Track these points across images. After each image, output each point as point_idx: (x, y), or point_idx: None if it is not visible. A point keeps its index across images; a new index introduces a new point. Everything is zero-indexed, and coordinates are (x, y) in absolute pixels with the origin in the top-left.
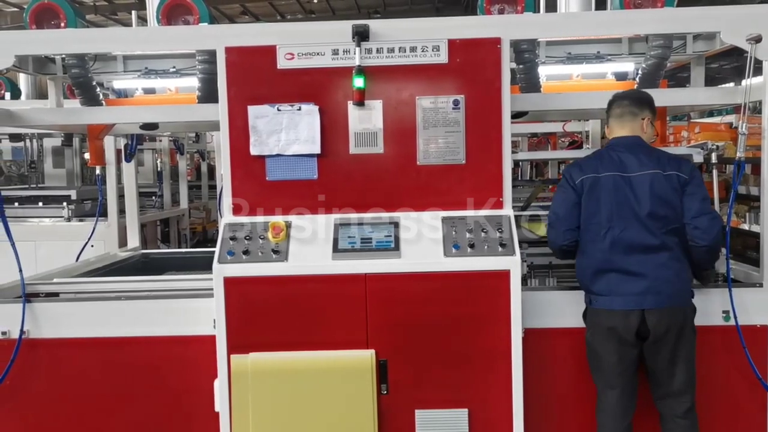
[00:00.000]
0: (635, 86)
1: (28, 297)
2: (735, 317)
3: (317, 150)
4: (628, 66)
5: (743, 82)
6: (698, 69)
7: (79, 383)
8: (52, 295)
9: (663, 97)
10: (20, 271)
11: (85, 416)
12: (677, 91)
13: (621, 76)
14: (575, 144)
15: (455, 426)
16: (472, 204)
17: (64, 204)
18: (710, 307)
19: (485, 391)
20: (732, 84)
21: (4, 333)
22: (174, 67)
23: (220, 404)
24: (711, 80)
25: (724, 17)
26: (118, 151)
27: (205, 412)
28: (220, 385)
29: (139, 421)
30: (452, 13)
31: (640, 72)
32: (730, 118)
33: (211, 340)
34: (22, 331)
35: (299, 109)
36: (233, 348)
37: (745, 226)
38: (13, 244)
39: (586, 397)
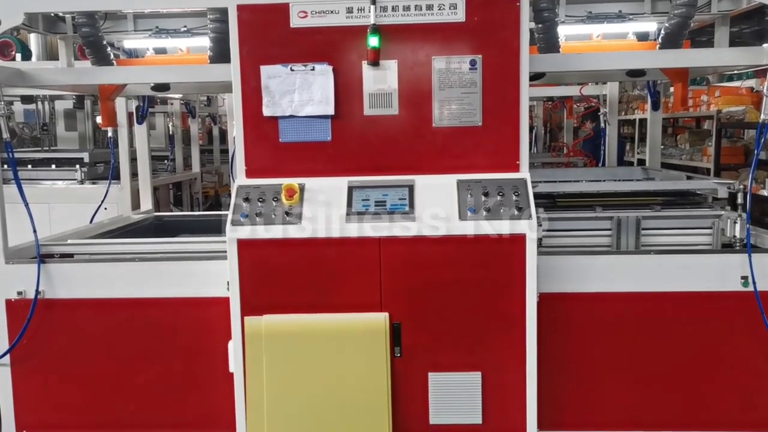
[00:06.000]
0: (657, 47)
1: (43, 258)
2: (754, 283)
3: (331, 111)
4: (650, 25)
5: (765, 45)
6: (723, 29)
7: (94, 343)
8: (67, 257)
9: (687, 57)
10: (34, 231)
11: (100, 376)
12: (702, 52)
13: (642, 36)
14: (591, 108)
15: (468, 389)
16: (488, 167)
17: (77, 166)
18: (729, 273)
19: (499, 355)
20: None
21: (20, 293)
22: (185, 27)
23: (235, 365)
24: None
25: None
26: (129, 114)
27: (219, 373)
28: (234, 347)
29: (154, 382)
30: None
31: (663, 32)
32: (750, 83)
33: (225, 301)
34: (37, 291)
35: (313, 69)
36: (247, 310)
37: (765, 192)
38: (27, 206)
39: (602, 362)
